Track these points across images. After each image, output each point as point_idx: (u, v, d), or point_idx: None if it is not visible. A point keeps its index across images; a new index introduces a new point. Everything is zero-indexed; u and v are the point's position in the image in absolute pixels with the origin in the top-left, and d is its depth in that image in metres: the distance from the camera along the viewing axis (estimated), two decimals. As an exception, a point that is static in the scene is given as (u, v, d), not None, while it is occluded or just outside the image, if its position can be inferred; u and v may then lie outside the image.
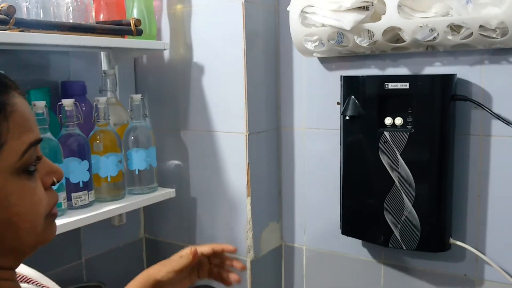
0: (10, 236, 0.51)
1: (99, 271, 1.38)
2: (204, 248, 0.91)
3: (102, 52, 1.33)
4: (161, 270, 0.89)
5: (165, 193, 1.29)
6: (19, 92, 0.53)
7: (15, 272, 0.57)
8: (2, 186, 0.49)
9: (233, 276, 0.92)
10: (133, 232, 1.48)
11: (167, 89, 1.38)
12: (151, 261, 1.30)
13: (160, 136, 1.40)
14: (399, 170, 1.07)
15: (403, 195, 1.08)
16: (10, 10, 0.92)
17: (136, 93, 1.43)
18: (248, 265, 1.28)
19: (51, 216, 0.56)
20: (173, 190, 1.31)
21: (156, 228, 1.47)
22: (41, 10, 1.05)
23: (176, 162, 1.39)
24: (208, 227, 1.36)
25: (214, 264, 0.93)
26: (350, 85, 1.13)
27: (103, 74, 1.26)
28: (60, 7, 1.09)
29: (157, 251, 1.48)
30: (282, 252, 1.39)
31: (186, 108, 1.35)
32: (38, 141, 0.53)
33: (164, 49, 1.27)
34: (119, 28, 1.15)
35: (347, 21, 1.05)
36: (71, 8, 1.11)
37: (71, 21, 1.10)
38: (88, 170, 1.12)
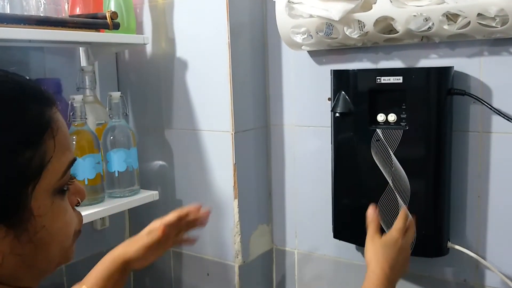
0: (41, 257, 0.51)
1: (81, 277, 1.31)
2: (171, 218, 0.92)
3: (80, 48, 1.27)
4: (128, 249, 0.90)
5: (147, 195, 1.23)
6: (57, 108, 0.52)
7: None
8: (41, 206, 0.49)
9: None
10: (118, 236, 1.42)
11: (150, 86, 1.32)
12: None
13: (142, 135, 1.34)
14: (393, 170, 1.01)
15: (397, 196, 1.01)
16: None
17: (118, 90, 1.37)
18: (236, 270, 1.23)
19: (75, 236, 0.56)
20: (156, 192, 1.25)
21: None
22: (8, 4, 0.99)
23: (160, 162, 1.33)
24: (195, 231, 1.29)
25: (180, 231, 0.95)
26: (340, 79, 1.07)
27: (81, 71, 1.20)
28: (29, 1, 1.02)
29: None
30: (273, 256, 1.33)
31: (169, 106, 1.28)
32: (74, 160, 0.53)
33: (145, 44, 1.21)
34: (94, 22, 1.09)
35: (336, 11, 0.98)
36: (42, 1, 1.05)
37: (42, 15, 1.04)
38: (63, 173, 1.05)
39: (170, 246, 0.95)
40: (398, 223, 0.93)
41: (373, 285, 0.84)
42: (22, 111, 0.48)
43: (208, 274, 1.29)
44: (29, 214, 0.48)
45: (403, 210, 0.97)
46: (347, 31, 1.01)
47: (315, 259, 1.25)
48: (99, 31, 1.12)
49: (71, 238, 0.54)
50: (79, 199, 0.56)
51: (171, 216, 0.92)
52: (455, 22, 0.93)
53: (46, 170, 0.48)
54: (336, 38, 1.04)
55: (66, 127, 0.52)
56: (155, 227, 0.91)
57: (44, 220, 0.49)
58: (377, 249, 0.88)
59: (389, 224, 1.03)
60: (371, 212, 0.95)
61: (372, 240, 0.90)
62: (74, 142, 1.09)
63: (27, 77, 0.52)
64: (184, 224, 0.95)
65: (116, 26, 1.12)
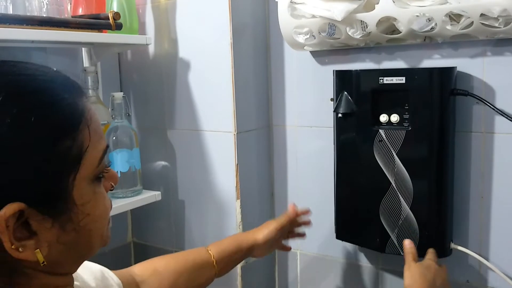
0: (83, 243, 0.52)
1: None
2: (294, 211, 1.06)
3: (83, 48, 1.27)
4: (260, 231, 1.00)
5: (150, 196, 1.23)
6: (87, 97, 0.53)
7: (72, 277, 0.57)
8: (82, 194, 0.50)
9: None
10: (120, 236, 1.42)
11: (152, 86, 1.32)
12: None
13: (145, 136, 1.34)
14: (396, 171, 1.01)
15: (400, 197, 1.01)
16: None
17: (121, 90, 1.37)
18: (239, 271, 1.22)
19: (108, 221, 0.58)
20: (159, 193, 1.25)
21: (145, 231, 1.41)
22: (11, 5, 0.99)
23: (162, 163, 1.33)
24: (197, 231, 1.29)
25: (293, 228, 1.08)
26: (343, 80, 1.06)
27: (83, 71, 1.20)
28: (32, 1, 1.02)
29: (146, 256, 1.42)
30: (276, 256, 1.32)
31: (171, 106, 1.28)
32: (108, 148, 0.54)
33: (147, 44, 1.20)
34: (96, 22, 1.09)
35: (338, 11, 0.98)
36: (45, 2, 1.05)
37: (44, 15, 1.04)
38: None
39: (277, 247, 1.08)
40: (429, 255, 0.96)
41: None
42: (57, 102, 0.49)
43: (210, 275, 1.29)
44: (72, 203, 0.49)
45: (430, 251, 0.98)
46: (350, 32, 1.01)
47: (317, 260, 1.25)
48: (101, 32, 1.12)
49: (108, 222, 0.56)
50: (112, 184, 0.58)
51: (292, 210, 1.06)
52: (458, 23, 0.92)
53: (84, 159, 0.49)
54: (339, 38, 1.04)
55: (97, 115, 0.53)
56: (285, 212, 1.05)
57: (87, 208, 0.50)
58: (414, 274, 0.89)
59: (392, 225, 1.03)
60: (408, 243, 0.96)
61: (409, 268, 0.91)
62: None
63: (55, 69, 0.53)
64: (296, 223, 1.08)
65: (118, 27, 1.12)
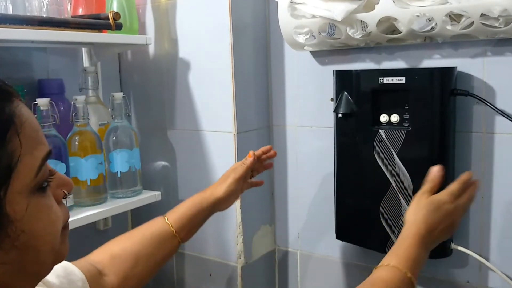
0: (30, 261, 0.47)
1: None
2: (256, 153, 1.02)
3: (83, 48, 1.27)
4: (217, 190, 0.96)
5: (150, 196, 1.22)
6: (21, 100, 0.47)
7: None
8: (17, 209, 0.44)
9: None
10: (121, 236, 1.42)
11: (152, 86, 1.32)
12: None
13: (145, 136, 1.34)
14: (396, 171, 1.00)
15: (400, 197, 1.01)
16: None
17: (121, 91, 1.37)
18: (239, 271, 1.22)
19: (64, 230, 0.52)
20: (159, 193, 1.25)
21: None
22: (11, 5, 0.99)
23: (162, 163, 1.33)
24: (197, 232, 1.29)
25: (253, 171, 1.05)
26: (343, 80, 1.06)
27: (84, 71, 1.20)
28: (32, 1, 1.02)
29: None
30: (275, 257, 1.32)
31: (171, 106, 1.28)
32: (50, 153, 0.48)
33: (147, 44, 1.20)
34: (96, 22, 1.09)
35: (338, 11, 0.98)
36: (45, 2, 1.05)
37: (44, 16, 1.03)
38: (65, 173, 1.05)
39: (246, 187, 1.03)
40: (452, 185, 0.86)
41: (406, 243, 0.79)
42: None
43: (210, 275, 1.29)
44: (7, 220, 0.44)
45: (468, 173, 0.88)
46: (350, 32, 1.01)
47: (317, 260, 1.25)
48: (101, 32, 1.12)
49: (59, 235, 0.50)
50: (65, 191, 0.52)
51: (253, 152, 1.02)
52: (458, 23, 0.92)
53: (16, 171, 0.44)
54: (339, 38, 1.04)
55: (34, 119, 0.48)
56: (237, 164, 1.00)
57: (24, 223, 0.45)
58: (419, 208, 0.82)
59: (392, 226, 1.03)
60: (435, 171, 0.87)
61: (420, 197, 0.85)
62: (76, 143, 1.09)
63: None
64: (258, 165, 1.05)
65: (118, 27, 1.12)
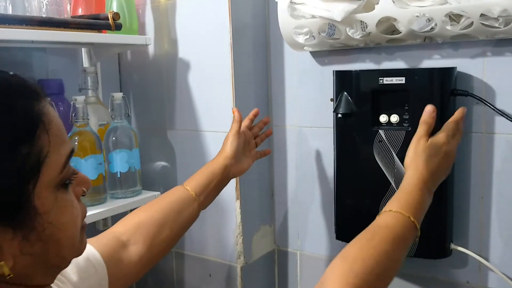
0: (52, 254, 0.50)
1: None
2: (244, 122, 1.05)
3: (83, 49, 1.27)
4: (223, 150, 0.98)
5: (149, 196, 1.23)
6: (48, 100, 0.51)
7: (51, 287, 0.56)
8: (45, 203, 0.48)
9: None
10: (120, 236, 1.42)
11: (152, 86, 1.32)
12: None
13: (144, 136, 1.34)
14: (396, 171, 1.00)
15: (400, 197, 1.01)
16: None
17: (121, 91, 1.37)
18: (239, 271, 1.22)
19: (83, 228, 0.56)
20: (158, 193, 1.25)
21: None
22: (10, 5, 0.99)
23: (162, 163, 1.33)
24: (197, 232, 1.29)
25: (254, 136, 1.08)
26: (343, 80, 1.06)
27: (83, 72, 1.20)
28: (31, 1, 1.02)
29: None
30: (275, 257, 1.32)
31: (171, 107, 1.28)
32: (73, 151, 0.52)
33: (147, 44, 1.20)
34: (96, 23, 1.09)
35: (338, 11, 0.97)
36: (44, 2, 1.05)
37: (44, 16, 1.03)
38: (65, 173, 1.05)
39: (256, 157, 1.07)
40: (448, 125, 0.87)
41: (409, 189, 0.80)
42: (9, 108, 0.46)
43: (210, 275, 1.29)
44: (34, 212, 0.47)
45: (461, 110, 0.89)
46: (350, 32, 1.01)
47: (317, 260, 1.25)
48: (101, 32, 1.12)
49: (79, 231, 0.53)
50: (84, 189, 0.55)
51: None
52: (458, 23, 0.92)
53: (45, 166, 0.47)
54: (339, 38, 1.04)
55: (59, 118, 0.51)
56: (229, 134, 1.00)
57: (50, 216, 0.48)
58: (418, 153, 0.83)
59: (392, 225, 1.02)
60: (429, 110, 0.88)
61: (418, 142, 0.86)
62: (76, 143, 1.09)
63: (11, 72, 0.50)
64: (256, 131, 1.09)
65: (118, 27, 1.12)
